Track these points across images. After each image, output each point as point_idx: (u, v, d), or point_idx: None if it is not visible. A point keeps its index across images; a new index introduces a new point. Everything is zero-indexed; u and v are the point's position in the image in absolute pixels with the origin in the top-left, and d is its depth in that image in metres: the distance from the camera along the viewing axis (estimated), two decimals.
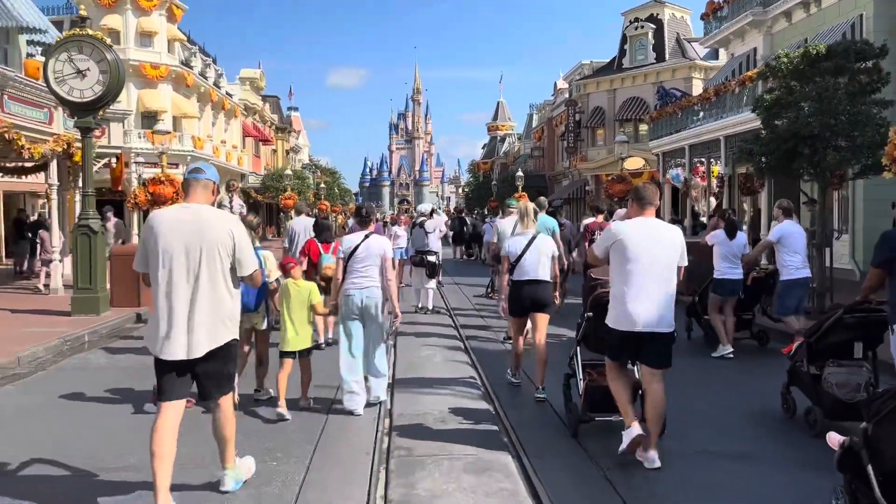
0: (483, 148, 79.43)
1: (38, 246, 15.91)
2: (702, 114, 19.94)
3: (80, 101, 12.24)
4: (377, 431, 5.66)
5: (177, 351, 4.00)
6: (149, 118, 32.50)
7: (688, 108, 21.05)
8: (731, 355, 8.49)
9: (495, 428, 5.79)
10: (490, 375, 7.66)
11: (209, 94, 37.55)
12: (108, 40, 12.70)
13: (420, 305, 12.68)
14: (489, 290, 15.17)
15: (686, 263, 4.85)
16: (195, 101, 35.95)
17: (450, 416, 6.11)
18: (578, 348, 5.75)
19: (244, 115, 45.47)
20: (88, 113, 12.37)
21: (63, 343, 9.76)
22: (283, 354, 6.30)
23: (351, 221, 13.34)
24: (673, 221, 24.14)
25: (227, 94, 41.99)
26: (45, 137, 14.75)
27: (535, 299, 6.76)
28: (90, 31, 12.43)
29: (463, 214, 33.61)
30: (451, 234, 28.00)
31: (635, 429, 4.70)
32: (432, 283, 12.99)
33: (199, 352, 4.00)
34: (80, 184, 12.94)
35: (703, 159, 21.30)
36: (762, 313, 9.38)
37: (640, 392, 5.08)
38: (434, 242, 12.92)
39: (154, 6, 32.09)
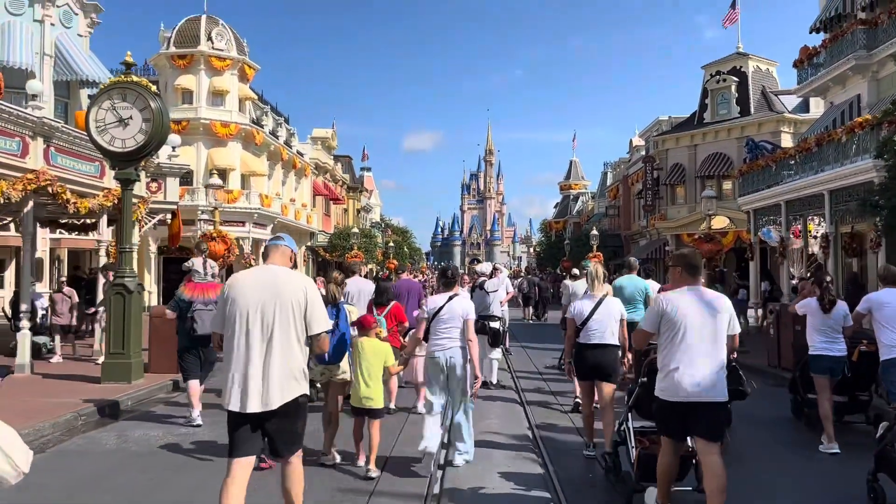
0: (555, 207, 77.83)
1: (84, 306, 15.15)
2: (799, 166, 17.99)
3: (120, 151, 11.46)
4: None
5: (251, 403, 4.18)
6: (218, 176, 32.28)
7: (783, 161, 19.13)
8: (837, 452, 7.42)
9: None
10: (560, 473, 6.60)
11: (279, 153, 37.44)
12: (154, 87, 11.94)
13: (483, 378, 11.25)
14: (563, 360, 13.52)
15: (738, 331, 4.88)
16: (265, 159, 35.78)
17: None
18: (630, 414, 5.74)
19: (315, 173, 45.55)
20: (130, 164, 11.57)
21: (76, 418, 8.73)
22: (357, 412, 6.47)
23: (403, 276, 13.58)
24: (738, 287, 22.54)
25: (299, 153, 41.93)
26: (95, 192, 14.03)
27: (598, 365, 6.75)
28: (135, 78, 11.69)
29: (530, 275, 32.85)
30: (520, 294, 27.41)
31: None
32: (496, 353, 11.46)
33: (273, 404, 4.18)
34: (119, 239, 12.05)
35: (800, 216, 19.23)
36: (877, 393, 8.47)
37: (693, 461, 5.13)
38: (496, 306, 11.53)
39: (226, 66, 32.34)
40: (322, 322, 4.41)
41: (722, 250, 18.35)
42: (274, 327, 4.28)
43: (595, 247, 33.82)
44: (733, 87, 34.93)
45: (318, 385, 7.27)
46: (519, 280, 29.57)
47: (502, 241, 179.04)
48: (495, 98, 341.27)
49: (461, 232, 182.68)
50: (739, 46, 36.21)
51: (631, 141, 51.11)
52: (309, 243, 43.35)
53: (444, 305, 6.61)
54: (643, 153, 44.32)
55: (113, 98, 11.57)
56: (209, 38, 31.97)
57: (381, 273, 31.23)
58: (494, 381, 11.24)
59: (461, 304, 6.68)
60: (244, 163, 32.77)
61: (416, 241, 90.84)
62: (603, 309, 6.89)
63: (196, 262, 9.88)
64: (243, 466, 4.22)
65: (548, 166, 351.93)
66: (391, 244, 50.07)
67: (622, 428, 5.80)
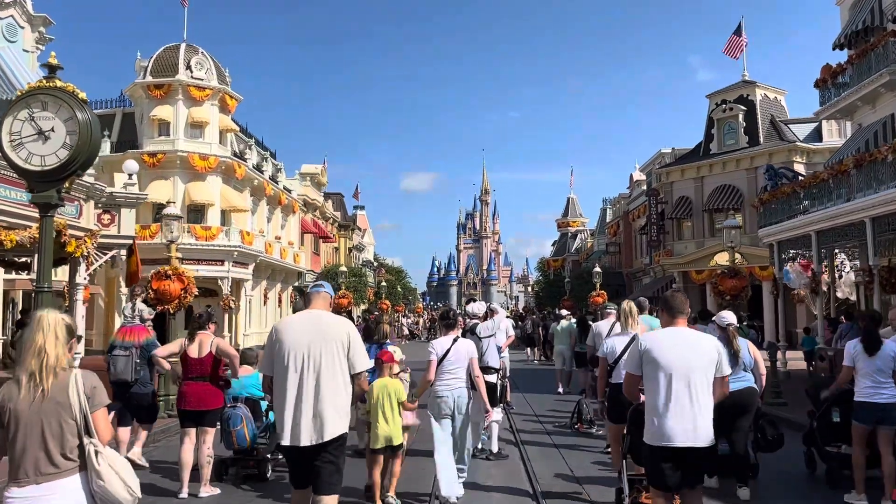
0: (553, 245, 77.92)
1: None
2: (832, 192, 16.08)
3: (38, 170, 9.30)
4: None
5: (304, 437, 4.75)
6: (195, 212, 30.73)
7: (810, 188, 17.24)
8: None
9: None
10: None
11: (263, 188, 36.15)
12: (83, 95, 9.93)
13: (480, 447, 9.40)
14: (575, 418, 11.54)
15: (727, 372, 4.88)
16: (247, 194, 34.48)
17: None
18: (625, 462, 5.92)
19: (303, 211, 44.52)
20: (51, 185, 9.39)
21: None
22: (375, 451, 6.71)
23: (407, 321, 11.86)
24: (751, 327, 21.03)
25: (286, 188, 40.80)
26: (27, 223, 12.04)
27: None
28: (59, 83, 9.68)
29: (535, 315, 31.60)
30: (518, 334, 26.41)
31: None
32: (495, 415, 9.43)
33: (325, 436, 4.72)
34: (38, 276, 9.97)
35: (833, 248, 17.31)
36: None
37: None
38: (493, 354, 9.72)
39: (206, 96, 30.86)
40: (363, 361, 4.90)
41: (747, 286, 16.41)
42: (321, 366, 4.76)
43: (598, 285, 32.43)
44: (741, 116, 33.92)
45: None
46: (525, 322, 30.01)
47: (499, 280, 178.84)
48: (491, 138, 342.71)
49: (457, 272, 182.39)
50: (745, 74, 35.04)
51: (631, 176, 50.65)
52: (296, 283, 42.08)
53: (450, 348, 7.14)
54: (644, 188, 43.91)
55: (31, 107, 9.46)
56: (188, 67, 30.59)
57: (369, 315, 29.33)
58: (495, 450, 9.42)
59: (465, 346, 7.33)
60: (224, 198, 31.45)
61: (411, 280, 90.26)
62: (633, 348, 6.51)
63: (138, 307, 9.50)
64: (304, 496, 4.87)
65: (544, 205, 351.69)
66: (383, 284, 47.99)
67: (620, 476, 5.93)
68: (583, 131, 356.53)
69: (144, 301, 12.76)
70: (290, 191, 41.70)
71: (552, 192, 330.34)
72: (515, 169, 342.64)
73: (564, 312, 18.95)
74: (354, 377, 4.90)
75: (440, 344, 7.23)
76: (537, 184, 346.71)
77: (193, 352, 7.82)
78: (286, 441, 4.75)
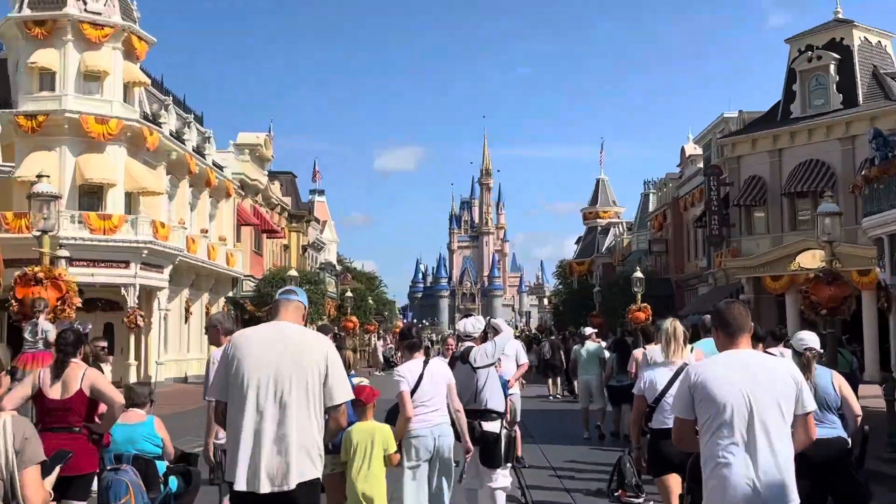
0: (576, 244, 77.85)
1: None
2: None
3: None
4: None
5: (263, 483, 4.93)
6: (90, 195, 30.69)
7: None
8: None
9: None
10: None
11: (186, 164, 35.86)
12: None
13: None
14: (615, 482, 11.07)
15: (811, 408, 4.97)
16: (163, 172, 34.20)
17: None
18: None
19: (240, 195, 44.26)
20: None
21: None
22: None
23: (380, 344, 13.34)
24: (853, 353, 20.51)
25: (216, 165, 40.66)
26: None
27: (682, 458, 6.42)
28: None
29: (554, 337, 32.30)
30: (532, 360, 27.27)
31: None
32: (500, 479, 9.02)
33: (292, 481, 4.93)
34: None
35: None
36: None
37: None
38: (494, 391, 9.16)
39: (105, 37, 30.41)
40: (344, 391, 5.20)
41: (851, 296, 15.84)
42: (291, 398, 4.99)
43: (639, 297, 32.54)
44: (832, 68, 33.95)
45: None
46: (542, 344, 29.95)
47: (504, 290, 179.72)
48: (494, 103, 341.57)
49: (450, 279, 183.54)
50: (838, 11, 34.85)
51: (683, 150, 50.61)
52: (231, 293, 42.18)
53: (423, 373, 7.53)
54: (700, 165, 44.02)
55: None
56: None
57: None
58: None
59: (440, 369, 7.80)
60: (131, 176, 31.34)
61: (387, 290, 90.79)
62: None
63: (42, 327, 10.16)
64: None
65: (565, 190, 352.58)
66: (349, 294, 47.86)
67: None
68: (616, 92, 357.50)
69: (55, 319, 12.69)
70: (221, 168, 41.56)
71: (576, 173, 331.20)
72: (526, 143, 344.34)
73: (588, 330, 19.40)
74: (331, 410, 5.12)
75: (409, 369, 7.57)
76: (556, 162, 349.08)
77: (54, 391, 7.34)
78: (241, 486, 4.94)
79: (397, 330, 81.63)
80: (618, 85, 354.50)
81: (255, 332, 5.27)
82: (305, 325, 5.43)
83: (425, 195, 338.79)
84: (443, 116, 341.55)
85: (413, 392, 7.45)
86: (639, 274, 33.98)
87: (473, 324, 9.75)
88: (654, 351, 9.09)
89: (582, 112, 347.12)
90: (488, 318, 10.62)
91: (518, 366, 12.44)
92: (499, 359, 9.76)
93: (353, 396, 5.42)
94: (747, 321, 5.08)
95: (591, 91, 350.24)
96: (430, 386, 7.54)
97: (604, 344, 19.79)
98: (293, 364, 5.01)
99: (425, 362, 7.68)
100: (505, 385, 10.12)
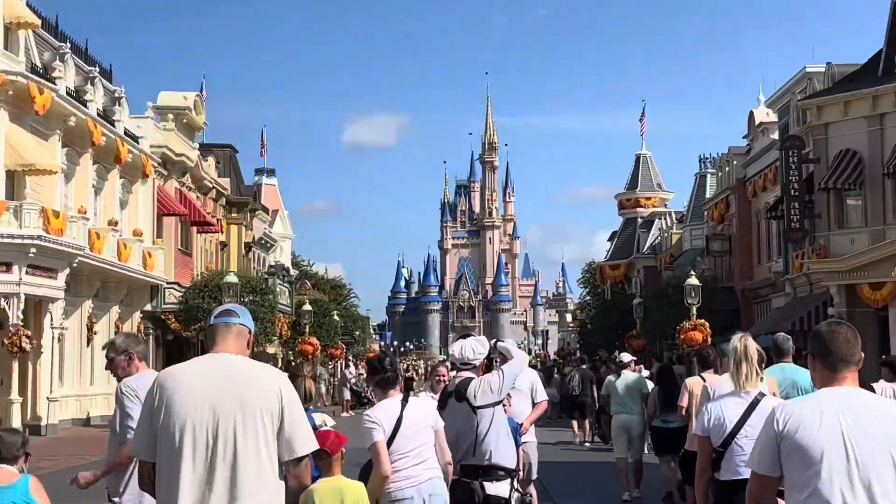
0: (610, 241, 78.64)
1: None
2: None
3: None
4: None
5: None
6: None
7: None
8: None
9: None
10: None
11: (88, 133, 35.57)
12: None
13: None
14: None
15: None
16: (57, 143, 34.07)
17: None
18: None
19: (161, 174, 44.04)
20: None
21: None
22: None
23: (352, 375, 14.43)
24: None
25: (129, 134, 40.21)
26: None
27: None
28: None
29: (584, 365, 32.81)
30: (554, 394, 27.93)
31: None
32: None
33: None
34: None
35: None
36: None
37: None
38: (500, 440, 9.23)
39: None
40: (306, 440, 5.31)
41: None
42: (238, 452, 5.05)
43: (694, 310, 33.37)
44: None
45: None
46: (569, 375, 30.53)
47: (514, 302, 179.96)
48: (501, 56, 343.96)
49: (441, 287, 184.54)
50: None
51: (751, 116, 50.87)
52: (149, 306, 42.02)
53: (401, 416, 7.73)
54: (775, 136, 44.15)
55: None
56: None
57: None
58: None
59: (423, 409, 8.05)
60: (13, 149, 31.13)
61: (359, 303, 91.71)
62: (756, 422, 7.04)
63: None
64: None
65: (595, 172, 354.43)
66: (307, 307, 47.87)
67: None
68: (661, 41, 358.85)
69: None
70: (137, 139, 41.30)
71: (608, 148, 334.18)
72: (542, 108, 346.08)
73: (626, 357, 19.63)
74: (290, 465, 5.23)
75: (384, 412, 7.80)
76: (581, 134, 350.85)
77: None
78: None
79: (371, 352, 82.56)
80: (663, 31, 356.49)
81: (186, 368, 5.34)
82: (250, 353, 5.52)
83: (410, 177, 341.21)
84: (433, 74, 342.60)
85: (390, 442, 7.62)
86: (694, 280, 34.17)
87: (474, 347, 9.63)
88: (716, 380, 9.63)
89: (616, 68, 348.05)
90: (494, 339, 10.45)
91: (534, 404, 12.39)
92: (508, 395, 9.69)
93: (317, 446, 5.53)
94: (856, 350, 5.10)
95: (628, 39, 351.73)
96: (411, 432, 7.71)
97: (646, 373, 20.30)
98: (240, 409, 5.08)
99: (404, 401, 7.83)
100: (516, 431, 10.13)
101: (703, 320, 32.00)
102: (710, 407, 7.73)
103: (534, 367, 24.99)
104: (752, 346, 7.70)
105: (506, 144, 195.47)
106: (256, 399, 5.12)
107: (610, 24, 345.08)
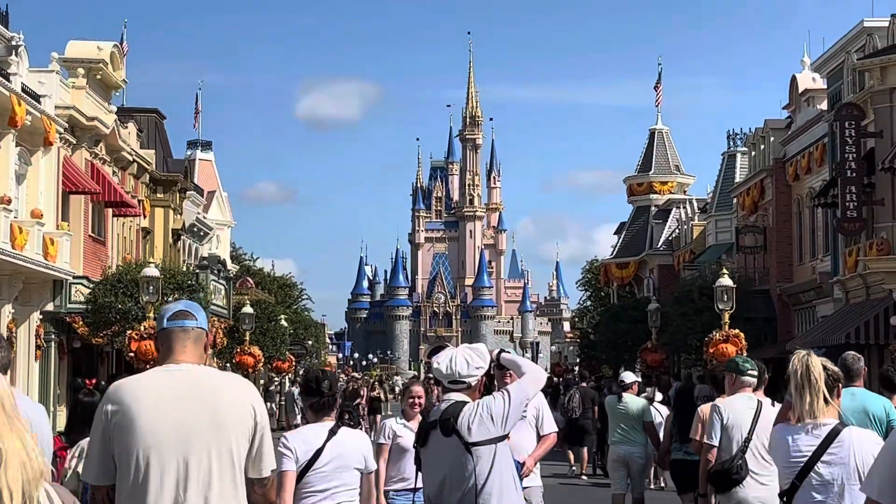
0: (617, 234, 79.65)
1: None
2: None
3: None
4: None
5: None
6: None
7: None
8: None
9: None
10: None
11: None
12: None
13: None
14: None
15: None
16: None
17: None
18: None
19: (68, 142, 43.35)
20: None
21: None
22: None
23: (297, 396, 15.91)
24: None
25: (27, 92, 39.24)
26: None
27: None
28: None
29: (585, 383, 34.02)
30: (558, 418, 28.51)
31: None
32: None
33: None
34: None
35: None
36: None
37: None
38: (506, 491, 8.54)
39: None
40: (273, 457, 5.82)
41: None
42: (213, 478, 5.40)
43: (726, 317, 33.12)
44: None
45: None
46: (569, 394, 31.76)
47: (499, 308, 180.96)
48: (485, 13, 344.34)
49: (412, 289, 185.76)
50: None
51: (793, 82, 51.35)
52: (50, 305, 41.27)
53: (323, 447, 8.31)
54: (822, 106, 44.21)
55: None
56: None
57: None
58: None
59: (355, 445, 8.61)
60: None
61: (312, 307, 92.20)
62: (837, 453, 7.50)
63: None
64: None
65: (598, 152, 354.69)
66: (247, 309, 48.17)
67: None
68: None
69: None
70: (38, 98, 40.40)
71: (615, 124, 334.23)
72: (535, 77, 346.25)
73: (630, 378, 20.40)
74: (257, 483, 5.64)
75: (303, 438, 8.30)
76: (581, 108, 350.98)
77: None
78: None
79: (329, 366, 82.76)
80: None
81: (145, 384, 5.57)
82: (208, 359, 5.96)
83: (376, 156, 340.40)
84: (405, 33, 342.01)
85: (302, 475, 8.03)
86: (727, 281, 34.26)
87: (468, 359, 8.64)
88: (734, 405, 10.86)
89: (625, 28, 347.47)
90: (497, 350, 9.58)
91: (539, 437, 11.78)
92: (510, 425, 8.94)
93: (275, 465, 5.83)
94: None
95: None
96: (330, 469, 8.13)
97: (659, 397, 21.88)
98: (215, 434, 5.35)
99: (332, 431, 8.23)
100: (518, 468, 9.54)
101: (737, 330, 32.07)
102: (779, 433, 7.95)
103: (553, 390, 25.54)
104: (818, 367, 7.76)
105: (491, 119, 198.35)
106: (231, 421, 5.41)
107: None
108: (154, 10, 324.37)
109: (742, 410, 10.79)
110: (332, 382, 8.73)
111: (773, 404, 10.53)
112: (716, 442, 10.70)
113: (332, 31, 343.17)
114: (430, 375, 11.86)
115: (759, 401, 10.78)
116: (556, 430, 12.94)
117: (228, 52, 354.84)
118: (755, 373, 10.97)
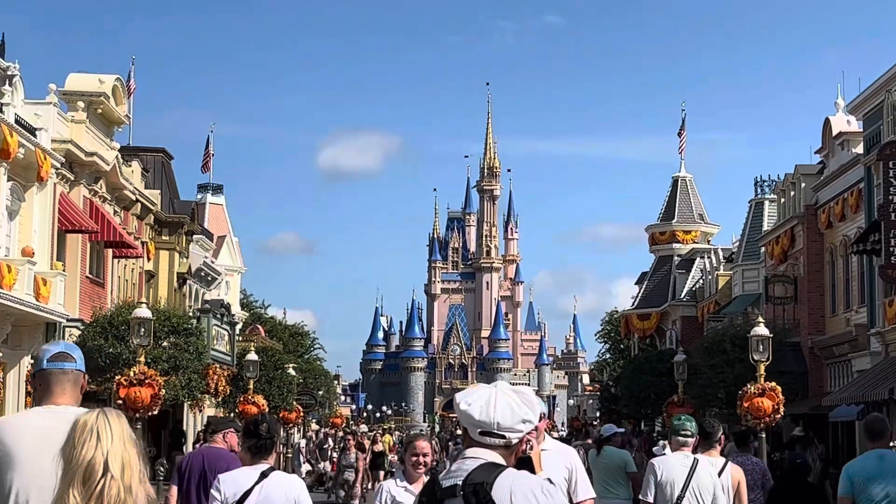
0: (638, 284, 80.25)
1: None
2: None
3: None
4: None
5: None
6: None
7: None
8: None
9: None
10: None
11: None
12: None
13: None
14: None
15: None
16: None
17: None
18: None
19: (64, 178, 42.61)
20: None
21: None
22: None
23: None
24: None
25: (21, 124, 38.42)
26: None
27: None
28: None
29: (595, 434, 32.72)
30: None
31: None
32: None
33: None
34: None
35: None
36: None
37: None
38: None
39: None
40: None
41: None
42: None
43: (762, 369, 32.04)
44: None
45: None
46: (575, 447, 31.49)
47: (515, 360, 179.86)
48: (505, 67, 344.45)
49: (427, 340, 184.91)
50: None
51: (827, 125, 50.91)
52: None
53: (251, 490, 8.52)
54: (859, 150, 43.50)
55: None
56: None
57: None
58: None
59: (282, 489, 8.66)
60: None
61: (324, 357, 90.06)
62: None
63: None
64: None
65: (619, 205, 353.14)
66: (251, 356, 46.68)
67: None
68: (700, 41, 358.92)
69: None
70: (34, 131, 39.60)
71: (635, 175, 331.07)
72: (554, 130, 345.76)
73: (611, 430, 21.42)
74: None
75: (231, 481, 8.61)
76: (602, 162, 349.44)
77: None
78: None
79: (339, 419, 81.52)
80: (703, 22, 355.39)
81: (28, 423, 5.71)
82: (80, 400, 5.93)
83: (394, 207, 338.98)
84: (425, 86, 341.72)
85: None
86: (762, 330, 32.67)
87: (515, 406, 5.79)
88: (670, 464, 11.41)
89: (645, 76, 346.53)
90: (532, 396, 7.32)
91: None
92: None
93: None
94: None
95: (659, 44, 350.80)
96: None
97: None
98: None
99: (264, 473, 8.41)
100: None
101: (773, 383, 31.08)
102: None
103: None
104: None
105: (509, 170, 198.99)
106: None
107: (631, 35, 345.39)
108: (169, 56, 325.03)
109: (675, 468, 11.53)
110: (269, 425, 9.05)
111: (713, 463, 11.71)
112: (650, 498, 11.48)
113: (352, 81, 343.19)
114: (442, 431, 10.85)
115: (695, 458, 11.51)
116: (593, 496, 11.20)
117: (249, 101, 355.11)
118: (689, 433, 11.62)
